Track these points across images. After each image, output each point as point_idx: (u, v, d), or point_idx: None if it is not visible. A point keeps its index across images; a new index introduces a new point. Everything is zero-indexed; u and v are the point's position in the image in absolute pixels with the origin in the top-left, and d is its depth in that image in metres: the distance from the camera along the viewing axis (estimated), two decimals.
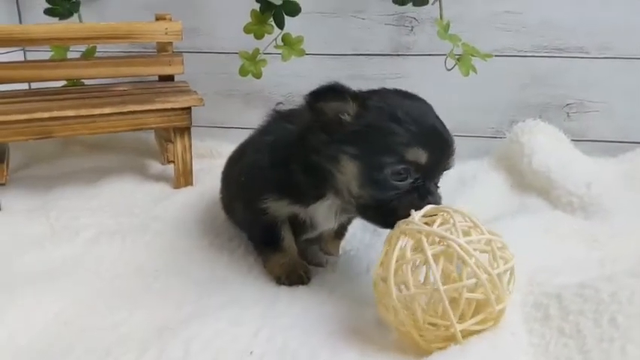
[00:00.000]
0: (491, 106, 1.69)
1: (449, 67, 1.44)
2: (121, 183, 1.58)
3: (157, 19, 1.66)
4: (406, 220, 0.87)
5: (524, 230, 1.20)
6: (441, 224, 0.84)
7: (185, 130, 1.54)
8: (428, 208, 0.88)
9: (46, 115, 1.39)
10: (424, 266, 0.83)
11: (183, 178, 1.57)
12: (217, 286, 1.08)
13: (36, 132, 1.40)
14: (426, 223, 0.85)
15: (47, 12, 1.67)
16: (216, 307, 0.99)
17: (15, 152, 1.72)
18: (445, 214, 0.86)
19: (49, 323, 0.96)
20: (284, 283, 1.08)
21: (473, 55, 1.42)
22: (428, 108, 0.97)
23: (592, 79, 1.62)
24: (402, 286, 0.83)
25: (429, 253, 0.80)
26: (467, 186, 1.53)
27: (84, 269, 1.14)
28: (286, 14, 1.57)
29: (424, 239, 0.81)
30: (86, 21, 1.70)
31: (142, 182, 1.60)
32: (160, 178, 1.63)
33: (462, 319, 0.81)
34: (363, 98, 0.93)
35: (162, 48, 1.68)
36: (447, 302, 0.78)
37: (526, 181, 1.51)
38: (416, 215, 0.86)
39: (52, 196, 1.50)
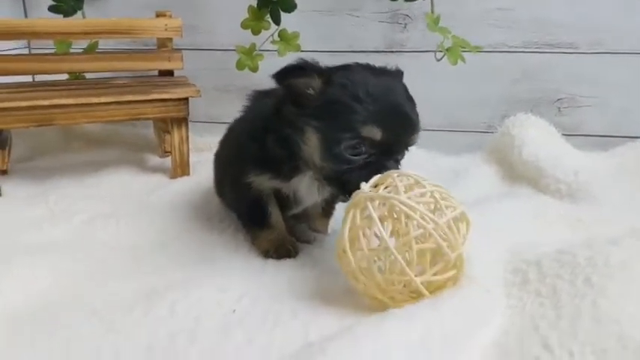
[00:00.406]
0: (483, 102, 1.72)
1: (438, 58, 1.47)
2: (119, 174, 1.62)
3: (158, 15, 1.71)
4: (358, 191, 0.90)
5: (510, 213, 1.23)
6: (386, 188, 0.87)
7: (182, 121, 1.58)
8: (376, 177, 0.91)
9: (46, 102, 1.43)
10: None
11: (180, 168, 1.60)
12: (206, 261, 1.10)
13: (37, 119, 1.44)
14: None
15: (51, 9, 1.72)
16: (202, 277, 1.01)
17: (18, 144, 1.76)
18: (390, 179, 0.89)
19: (43, 291, 0.99)
20: (272, 257, 1.10)
21: (462, 47, 1.46)
22: (393, 85, 0.99)
23: (583, 75, 1.65)
24: (359, 253, 0.86)
25: (374, 215, 0.83)
26: (460, 178, 1.56)
27: (79, 246, 1.17)
28: (282, 10, 1.61)
29: (369, 204, 0.85)
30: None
31: (140, 173, 1.64)
32: (157, 169, 1.67)
33: (421, 272, 0.84)
34: (328, 75, 0.96)
35: (162, 44, 1.72)
36: (399, 258, 0.81)
37: (516, 172, 1.53)
38: (365, 186, 0.89)
39: (52, 185, 1.53)
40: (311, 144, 0.98)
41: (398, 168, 0.97)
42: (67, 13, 1.74)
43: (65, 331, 0.85)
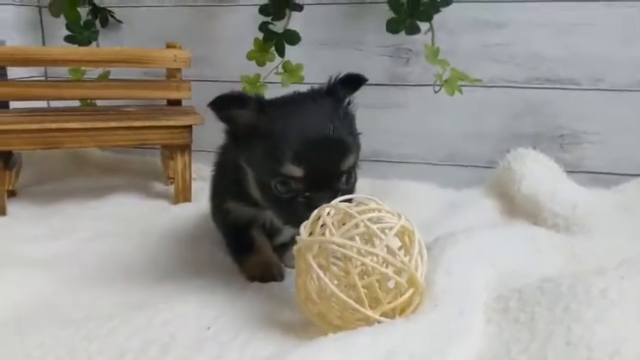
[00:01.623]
0: (484, 137, 1.73)
1: (436, 90, 1.49)
2: (123, 198, 1.66)
3: (168, 46, 1.77)
4: (298, 237, 0.89)
5: (503, 242, 1.21)
6: (322, 226, 0.87)
7: (186, 148, 1.61)
8: (313, 215, 0.89)
9: (55, 126, 1.48)
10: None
11: (182, 194, 1.63)
12: (191, 278, 1.11)
13: (45, 142, 1.49)
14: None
15: (67, 39, 1.80)
16: (186, 293, 1.03)
17: (29, 168, 1.81)
18: (321, 216, 0.88)
19: (28, 299, 1.02)
20: (257, 281, 1.11)
21: (461, 79, 1.48)
22: (319, 116, 0.97)
23: (585, 111, 1.65)
24: (310, 302, 0.88)
25: (313, 263, 0.84)
26: (458, 211, 1.55)
27: (71, 260, 1.21)
28: (287, 43, 1.66)
29: (307, 254, 0.85)
30: None
31: (144, 198, 1.68)
32: (161, 195, 1.70)
33: (376, 303, 0.84)
34: (260, 106, 0.98)
35: (172, 74, 1.78)
36: (348, 299, 0.82)
37: (516, 206, 1.52)
38: (302, 229, 0.88)
39: (57, 207, 1.58)
40: (250, 183, 1.02)
41: (330, 200, 0.91)
42: (82, 43, 1.81)
43: (41, 336, 0.87)
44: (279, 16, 1.66)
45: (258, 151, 0.97)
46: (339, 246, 0.84)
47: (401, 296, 0.86)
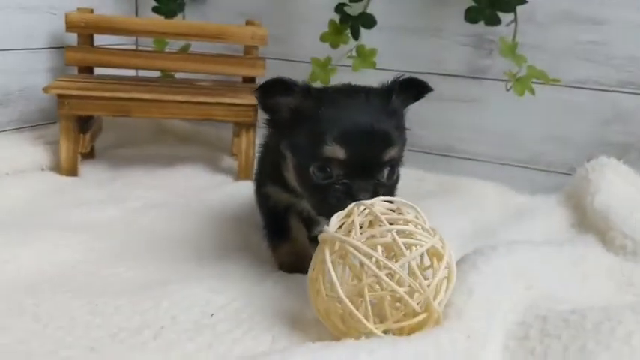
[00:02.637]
0: (567, 141, 1.59)
1: (507, 87, 1.38)
2: (189, 170, 1.70)
3: (247, 23, 1.78)
4: (325, 227, 0.85)
5: (550, 258, 1.11)
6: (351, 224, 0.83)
7: (250, 127, 1.62)
8: (348, 208, 0.86)
9: (124, 95, 1.53)
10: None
11: (244, 172, 1.64)
12: (217, 261, 1.12)
13: (116, 109, 1.55)
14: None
15: (154, 9, 1.85)
16: (204, 277, 1.03)
17: (110, 132, 1.89)
18: (353, 213, 0.84)
19: (56, 263, 1.07)
20: (285, 270, 1.10)
21: (537, 78, 1.36)
22: (366, 104, 0.95)
23: None
24: (319, 297, 0.84)
25: (329, 261, 0.79)
26: (524, 219, 1.45)
27: (111, 230, 1.25)
28: (362, 26, 1.61)
29: (326, 249, 0.82)
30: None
31: (209, 172, 1.71)
32: (227, 171, 1.72)
33: (383, 318, 0.80)
34: (305, 93, 0.96)
35: (248, 51, 1.78)
36: (353, 309, 0.77)
37: (587, 220, 1.40)
38: (332, 221, 0.84)
39: (123, 173, 1.65)
40: (289, 170, 1.00)
41: (370, 190, 0.91)
42: (168, 15, 1.85)
43: (53, 304, 0.91)
44: None
45: (301, 135, 0.96)
46: (358, 250, 0.80)
47: (412, 318, 0.81)
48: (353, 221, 0.82)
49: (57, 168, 1.59)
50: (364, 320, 0.78)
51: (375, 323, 0.80)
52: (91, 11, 1.72)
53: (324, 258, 0.81)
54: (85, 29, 1.69)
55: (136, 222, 1.30)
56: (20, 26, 1.69)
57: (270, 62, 1.78)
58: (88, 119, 1.69)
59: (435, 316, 0.81)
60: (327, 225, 0.84)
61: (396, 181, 1.00)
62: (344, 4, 1.60)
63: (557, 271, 1.09)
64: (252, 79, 1.80)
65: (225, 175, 1.68)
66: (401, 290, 0.77)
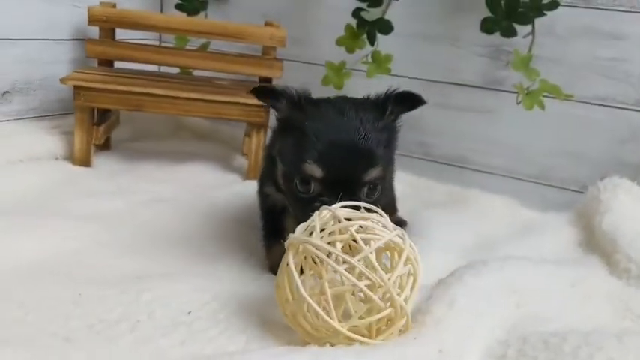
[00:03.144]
0: (582, 158, 1.55)
1: (518, 101, 1.36)
2: (201, 166, 1.72)
3: (266, 24, 1.78)
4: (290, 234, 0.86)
5: (541, 277, 1.09)
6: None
7: (261, 127, 1.62)
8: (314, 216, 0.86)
9: (139, 89, 1.56)
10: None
11: (253, 172, 1.64)
12: (211, 259, 1.13)
13: (129, 103, 1.57)
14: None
15: (177, 7, 1.87)
16: (192, 274, 1.04)
17: (129, 124, 1.92)
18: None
19: (54, 253, 1.09)
20: (275, 273, 1.09)
21: (549, 93, 1.33)
22: (353, 122, 0.94)
23: None
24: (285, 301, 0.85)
25: (291, 263, 0.80)
26: (533, 235, 1.42)
27: (114, 222, 1.27)
28: (379, 32, 1.60)
29: (289, 251, 0.82)
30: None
31: (219, 170, 1.72)
32: (237, 170, 1.73)
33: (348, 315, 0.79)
34: (297, 104, 0.97)
35: (267, 52, 1.79)
36: (317, 307, 0.77)
37: (594, 240, 1.36)
38: (299, 228, 0.85)
39: (136, 165, 1.67)
40: (279, 175, 1.01)
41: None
42: (190, 12, 1.87)
43: (41, 292, 0.93)
44: (376, 2, 1.60)
45: (287, 145, 0.98)
46: (317, 248, 0.80)
47: (377, 313, 0.80)
48: (314, 225, 0.82)
49: (71, 158, 1.62)
50: (327, 318, 0.78)
51: (340, 321, 0.79)
52: (114, 5, 1.76)
53: (288, 261, 0.81)
54: (106, 23, 1.72)
55: (139, 215, 1.32)
56: (44, 17, 1.73)
57: (289, 64, 1.78)
58: (105, 112, 1.72)
59: (403, 313, 0.80)
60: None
61: (380, 198, 0.98)
62: (361, 9, 1.59)
63: (552, 291, 1.06)
64: (269, 80, 1.80)
65: (235, 174, 1.70)
66: (361, 283, 0.77)
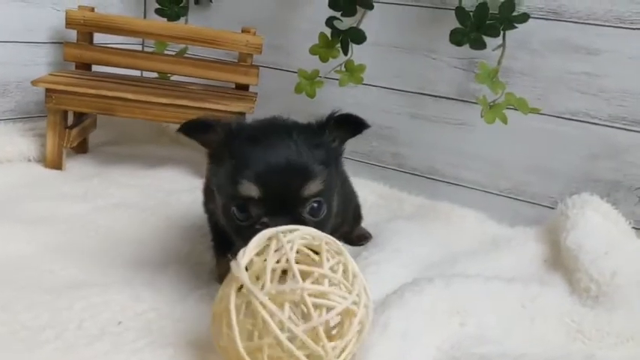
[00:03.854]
0: (554, 174, 1.52)
1: (482, 115, 1.34)
2: (172, 172, 1.71)
3: (243, 31, 1.78)
4: (233, 263, 0.81)
5: (489, 295, 1.07)
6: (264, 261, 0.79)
7: None
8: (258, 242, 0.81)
9: (109, 93, 1.55)
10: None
11: None
12: (156, 268, 1.11)
13: (99, 107, 1.57)
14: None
15: (157, 12, 1.87)
16: (135, 282, 1.03)
17: (110, 128, 1.92)
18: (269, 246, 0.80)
19: (4, 255, 1.09)
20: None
21: (516, 107, 1.31)
22: (284, 142, 0.92)
23: None
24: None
25: (232, 308, 0.76)
26: (499, 251, 1.40)
27: (69, 226, 1.26)
28: (351, 41, 1.59)
29: (232, 289, 0.78)
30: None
31: (190, 176, 1.70)
32: None
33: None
34: (230, 133, 0.95)
35: (243, 59, 1.78)
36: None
37: (559, 257, 1.34)
38: (241, 256, 0.80)
39: (108, 169, 1.66)
40: (219, 214, 0.98)
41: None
42: (171, 18, 1.87)
43: None
44: (350, 12, 1.59)
45: (222, 174, 0.95)
46: (263, 307, 0.74)
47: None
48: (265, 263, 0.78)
49: (44, 160, 1.62)
50: None
51: None
52: (92, 9, 1.76)
53: (229, 300, 0.77)
54: (83, 26, 1.73)
55: (98, 220, 1.31)
56: (22, 19, 1.73)
57: (268, 71, 1.78)
58: (82, 115, 1.72)
59: None
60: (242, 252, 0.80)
61: (326, 217, 0.95)
62: (334, 18, 1.58)
63: (500, 310, 1.04)
64: (245, 87, 1.80)
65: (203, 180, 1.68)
66: (300, 354, 0.74)
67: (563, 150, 1.51)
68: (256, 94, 1.76)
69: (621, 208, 1.42)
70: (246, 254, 0.79)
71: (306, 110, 1.66)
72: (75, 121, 1.68)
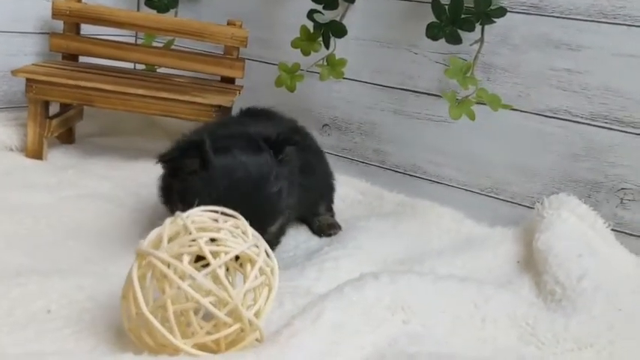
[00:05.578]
0: (535, 174, 1.48)
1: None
2: (149, 164, 1.69)
3: (228, 24, 1.77)
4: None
5: (436, 295, 1.03)
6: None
7: None
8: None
9: (88, 84, 1.56)
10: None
11: None
12: (107, 259, 1.11)
13: (78, 98, 1.58)
14: None
15: (147, 4, 1.87)
16: (80, 272, 1.03)
17: (98, 120, 1.93)
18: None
19: None
20: None
21: (488, 103, 1.28)
22: (254, 172, 1.03)
23: None
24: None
25: (134, 276, 0.78)
26: (473, 250, 1.37)
27: (34, 215, 1.26)
28: (332, 35, 1.56)
29: (134, 263, 0.80)
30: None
31: None
32: None
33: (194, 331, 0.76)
34: (205, 158, 1.03)
35: (229, 51, 1.77)
36: (157, 324, 0.74)
37: (532, 259, 1.30)
38: (150, 234, 0.83)
39: (88, 160, 1.67)
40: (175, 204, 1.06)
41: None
42: (160, 9, 1.87)
43: None
44: (331, 5, 1.56)
45: (191, 192, 1.02)
46: (161, 262, 0.77)
47: (224, 330, 0.77)
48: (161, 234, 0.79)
49: (25, 150, 1.63)
50: (168, 335, 0.75)
51: (185, 337, 0.76)
52: (80, 0, 1.76)
53: (132, 274, 0.78)
54: (69, 17, 1.74)
55: (64, 211, 1.31)
56: (10, 9, 1.75)
57: (252, 64, 1.76)
58: (67, 105, 1.73)
59: (253, 327, 0.77)
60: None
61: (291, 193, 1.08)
62: (315, 11, 1.56)
63: (449, 310, 1.01)
64: (231, 80, 1.79)
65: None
66: (204, 300, 0.74)
67: (543, 149, 1.46)
68: (241, 87, 1.75)
69: (602, 209, 1.38)
70: (150, 236, 0.82)
71: (291, 103, 1.66)
72: (59, 111, 1.69)
